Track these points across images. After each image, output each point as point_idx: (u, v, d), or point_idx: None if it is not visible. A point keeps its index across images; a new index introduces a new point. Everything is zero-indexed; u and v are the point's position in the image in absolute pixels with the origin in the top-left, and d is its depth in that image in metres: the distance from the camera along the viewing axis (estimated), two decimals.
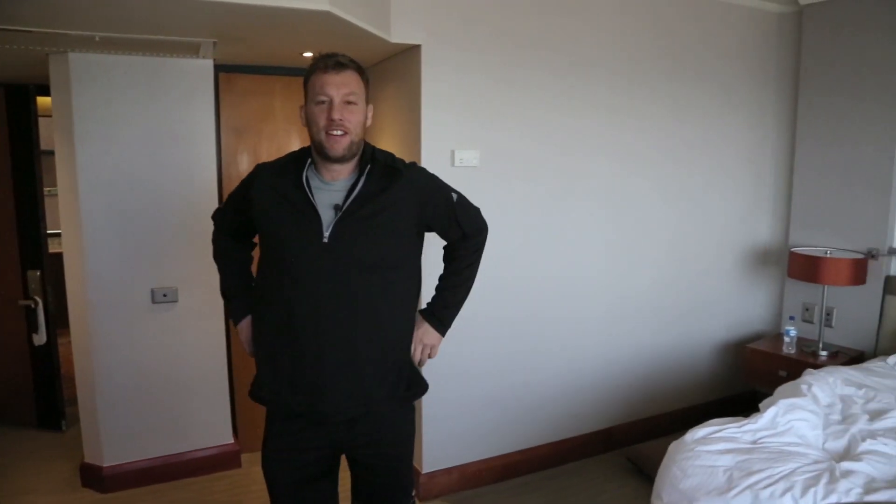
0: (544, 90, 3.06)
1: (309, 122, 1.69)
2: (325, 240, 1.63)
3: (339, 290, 1.65)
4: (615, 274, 3.41)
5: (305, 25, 2.36)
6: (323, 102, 1.64)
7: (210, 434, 3.26)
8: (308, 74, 1.69)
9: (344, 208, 1.65)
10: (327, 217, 1.66)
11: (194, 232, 3.07)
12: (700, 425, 2.42)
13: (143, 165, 2.97)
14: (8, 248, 3.65)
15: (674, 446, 2.36)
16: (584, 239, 3.28)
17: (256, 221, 1.77)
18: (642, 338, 3.55)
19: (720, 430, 2.36)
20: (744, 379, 3.67)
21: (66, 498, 3.06)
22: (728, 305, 3.85)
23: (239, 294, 1.93)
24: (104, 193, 2.92)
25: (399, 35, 2.69)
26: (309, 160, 1.73)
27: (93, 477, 3.12)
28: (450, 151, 2.86)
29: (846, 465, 2.10)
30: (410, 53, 2.81)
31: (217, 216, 2.00)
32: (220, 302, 3.18)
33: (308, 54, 2.98)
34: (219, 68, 3.18)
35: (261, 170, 1.80)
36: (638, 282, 3.49)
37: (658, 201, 3.49)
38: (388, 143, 3.13)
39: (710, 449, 2.24)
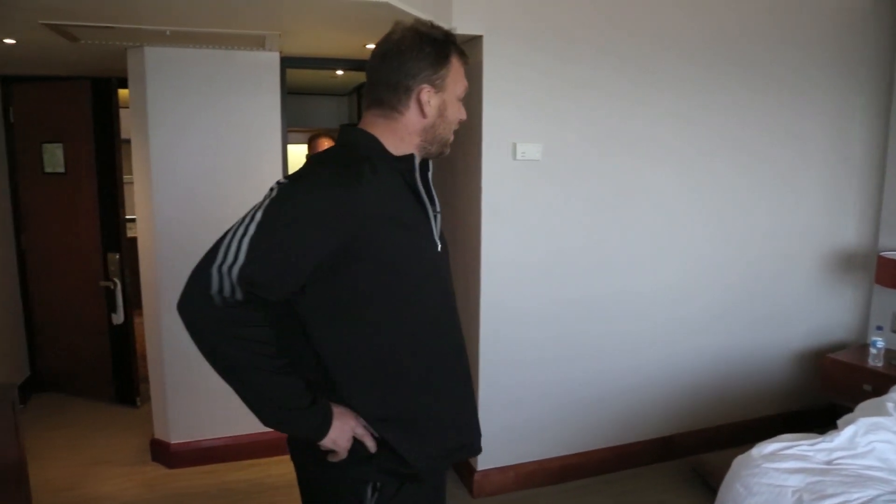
0: (611, 83, 2.93)
1: (440, 116, 1.33)
2: (438, 248, 1.37)
3: (454, 306, 1.43)
4: (683, 274, 3.25)
5: (364, 17, 2.34)
6: (461, 99, 1.38)
7: None
8: (446, 56, 1.32)
9: (439, 211, 1.38)
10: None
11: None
12: (769, 440, 2.28)
13: (211, 155, 3.05)
14: (90, 233, 3.85)
15: (739, 461, 2.23)
16: (652, 236, 3.14)
17: (372, 272, 1.24)
18: (710, 341, 3.37)
19: (791, 447, 2.21)
20: (822, 391, 3.43)
21: (135, 470, 3.21)
22: (806, 311, 3.61)
23: (312, 392, 1.26)
24: (175, 182, 3.02)
25: (460, 26, 2.64)
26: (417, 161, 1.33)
27: (161, 452, 3.26)
28: (511, 144, 2.79)
29: None
30: (471, 44, 2.76)
31: (244, 285, 1.17)
32: None
33: (370, 46, 2.98)
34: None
35: (364, 191, 1.21)
36: (708, 283, 3.31)
37: (731, 199, 3.29)
38: None
39: (778, 466, 2.11)
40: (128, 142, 3.41)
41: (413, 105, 1.31)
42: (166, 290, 3.07)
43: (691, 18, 3.04)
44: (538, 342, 3.00)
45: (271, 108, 3.12)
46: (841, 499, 1.90)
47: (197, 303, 1.20)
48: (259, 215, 1.19)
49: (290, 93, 3.84)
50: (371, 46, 2.98)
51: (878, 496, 1.90)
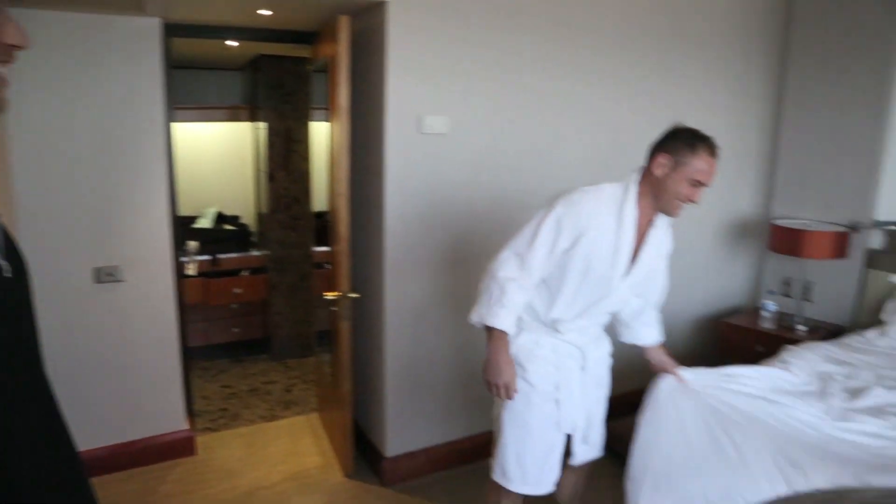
0: (523, 53, 2.86)
1: None
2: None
3: None
4: None
5: None
6: None
7: (162, 420, 3.08)
8: None
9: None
10: None
11: (140, 205, 2.86)
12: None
13: (82, 134, 2.72)
14: None
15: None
16: None
17: None
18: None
19: None
20: (720, 355, 3.56)
21: None
22: (706, 279, 3.73)
23: None
24: (39, 163, 2.67)
25: None
26: None
27: None
28: (416, 117, 2.67)
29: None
30: (375, 11, 2.60)
31: None
32: (170, 280, 2.99)
33: (264, 12, 2.76)
34: None
35: None
36: None
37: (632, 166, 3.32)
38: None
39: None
40: None
41: None
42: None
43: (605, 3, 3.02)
44: (441, 324, 2.91)
45: (152, 81, 2.83)
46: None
47: None
48: None
49: (178, 66, 3.53)
50: (265, 12, 2.76)
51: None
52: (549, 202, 1.92)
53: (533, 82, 2.92)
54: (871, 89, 3.24)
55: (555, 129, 3.03)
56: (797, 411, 2.20)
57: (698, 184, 1.81)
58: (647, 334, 2.22)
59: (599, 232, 1.85)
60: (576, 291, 1.91)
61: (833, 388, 2.43)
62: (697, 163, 1.80)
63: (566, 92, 3.02)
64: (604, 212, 1.86)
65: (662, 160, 1.84)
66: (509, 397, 1.92)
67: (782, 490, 1.82)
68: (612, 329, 2.22)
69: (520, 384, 1.94)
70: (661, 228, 1.99)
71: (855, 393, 2.39)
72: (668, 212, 1.90)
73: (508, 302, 1.84)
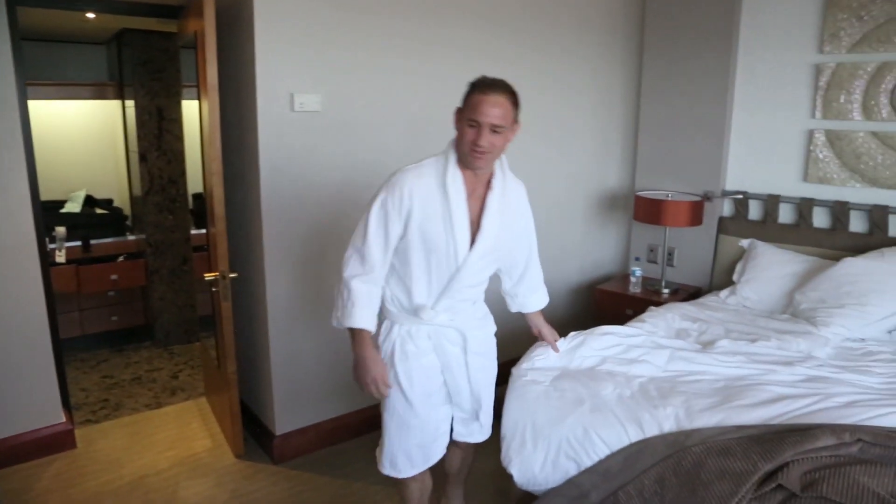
0: (395, 30, 2.89)
1: None
2: None
3: None
4: None
5: None
6: None
7: (36, 415, 2.93)
8: None
9: None
10: None
11: None
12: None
13: None
14: None
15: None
16: None
17: None
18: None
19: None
20: (595, 319, 3.82)
21: None
22: (580, 248, 3.97)
23: None
24: None
25: None
26: None
27: None
28: (289, 95, 2.65)
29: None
30: None
31: None
32: (37, 269, 2.84)
33: None
34: None
35: None
36: None
37: (514, 145, 3.44)
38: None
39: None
40: None
41: None
42: None
43: None
44: (323, 301, 2.93)
45: None
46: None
47: None
48: None
49: (32, 38, 3.29)
50: None
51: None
52: (378, 189, 1.91)
53: (406, 58, 2.96)
54: (716, 74, 3.54)
55: (430, 104, 3.09)
56: (650, 357, 2.46)
57: (475, 123, 1.78)
58: (534, 301, 2.28)
59: (426, 205, 1.83)
60: (426, 272, 1.89)
61: (687, 342, 2.69)
62: (469, 102, 1.80)
63: (440, 67, 3.08)
64: (427, 184, 1.84)
65: (455, 116, 1.87)
66: (383, 393, 1.90)
67: (634, 429, 2.02)
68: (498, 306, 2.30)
69: (395, 386, 1.94)
70: (501, 190, 1.94)
71: (705, 345, 2.66)
72: (470, 163, 1.84)
73: (358, 300, 1.83)
